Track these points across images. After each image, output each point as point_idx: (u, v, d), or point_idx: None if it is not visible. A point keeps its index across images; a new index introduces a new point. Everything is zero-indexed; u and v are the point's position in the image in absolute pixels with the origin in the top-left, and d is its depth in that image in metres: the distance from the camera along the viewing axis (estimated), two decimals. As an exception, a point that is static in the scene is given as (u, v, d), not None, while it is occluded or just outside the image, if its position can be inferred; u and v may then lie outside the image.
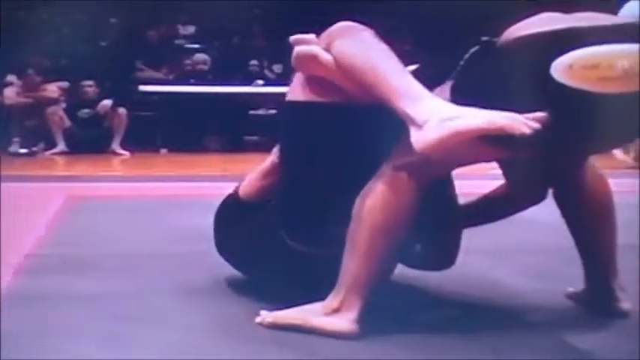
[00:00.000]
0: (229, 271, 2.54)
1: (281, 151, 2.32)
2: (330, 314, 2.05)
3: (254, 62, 10.13)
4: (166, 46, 10.31)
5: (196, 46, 10.46)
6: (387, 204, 2.01)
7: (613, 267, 2.33)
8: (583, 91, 1.88)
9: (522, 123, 1.84)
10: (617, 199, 2.32)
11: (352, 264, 2.05)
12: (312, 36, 2.22)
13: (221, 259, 2.52)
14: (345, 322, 2.03)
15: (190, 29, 10.91)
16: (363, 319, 2.05)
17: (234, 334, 2.10)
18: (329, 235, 2.13)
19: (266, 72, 10.40)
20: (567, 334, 2.15)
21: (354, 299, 2.04)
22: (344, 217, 2.06)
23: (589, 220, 2.30)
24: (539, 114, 1.86)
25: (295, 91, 2.25)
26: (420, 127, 1.90)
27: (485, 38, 2.01)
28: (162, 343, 2.01)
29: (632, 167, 6.80)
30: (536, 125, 1.84)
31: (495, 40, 1.99)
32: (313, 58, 2.16)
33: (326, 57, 2.13)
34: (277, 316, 2.13)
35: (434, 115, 1.89)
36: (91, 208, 4.37)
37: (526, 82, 1.91)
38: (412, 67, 2.17)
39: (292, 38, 2.23)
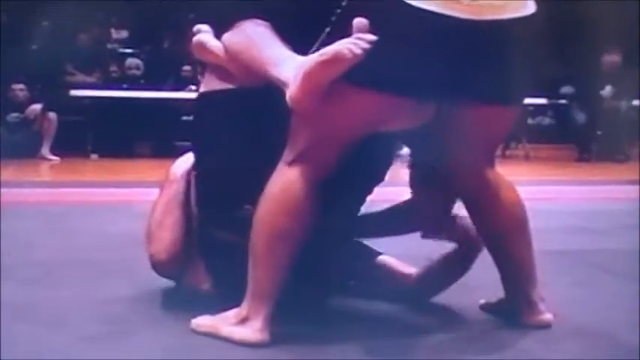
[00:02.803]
0: (152, 278, 2.50)
1: (193, 144, 2.39)
2: (238, 323, 2.05)
3: (187, 68, 10.07)
4: (98, 50, 10.19)
5: (129, 50, 10.37)
6: (284, 208, 2.01)
7: (531, 276, 2.24)
8: (428, 11, 1.89)
9: (351, 43, 1.86)
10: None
11: (255, 271, 2.04)
12: (207, 27, 2.35)
13: (145, 267, 2.47)
14: (250, 331, 2.02)
15: (123, 33, 10.80)
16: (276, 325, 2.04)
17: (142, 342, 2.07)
18: (241, 221, 2.11)
19: (199, 78, 10.34)
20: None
21: (259, 307, 2.03)
22: (253, 201, 2.06)
23: (500, 229, 2.22)
24: (369, 35, 1.87)
25: (201, 84, 2.41)
26: (288, 86, 1.96)
27: None
28: (75, 350, 1.97)
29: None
30: (366, 44, 1.85)
31: None
32: (202, 45, 2.30)
33: (214, 43, 2.26)
34: (197, 323, 2.14)
35: (294, 70, 1.95)
36: (17, 215, 4.29)
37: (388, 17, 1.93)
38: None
39: (194, 28, 2.36)
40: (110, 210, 4.64)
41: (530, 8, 2.03)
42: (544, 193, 5.27)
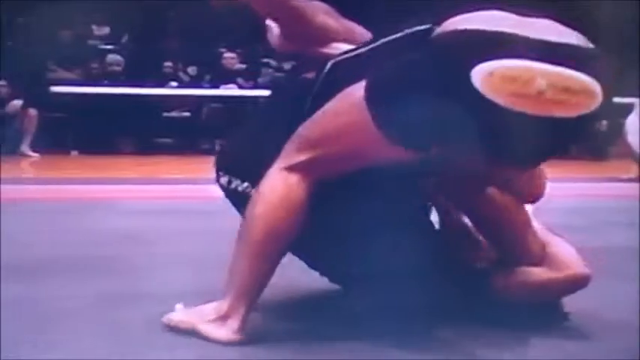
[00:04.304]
0: (134, 275, 2.49)
1: None
2: (216, 320, 2.02)
3: (168, 64, 10.05)
4: (80, 47, 10.15)
5: (110, 47, 10.33)
6: (283, 213, 1.99)
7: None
8: (493, 103, 1.78)
9: None
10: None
11: (243, 270, 2.01)
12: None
13: (126, 264, 2.45)
14: (226, 331, 1.99)
15: (105, 30, 10.77)
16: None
17: (135, 341, 2.07)
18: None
19: (180, 74, 10.33)
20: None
21: (241, 307, 2.00)
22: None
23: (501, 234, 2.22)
24: None
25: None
26: None
27: (423, 27, 1.94)
28: (69, 349, 1.97)
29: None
30: None
31: (433, 28, 1.90)
32: None
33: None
34: (171, 317, 2.11)
35: None
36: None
37: (447, 81, 1.83)
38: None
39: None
40: (91, 207, 4.62)
41: (596, 102, 1.86)
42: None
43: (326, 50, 2.22)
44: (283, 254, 2.05)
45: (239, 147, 2.29)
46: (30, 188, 5.67)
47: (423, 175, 2.22)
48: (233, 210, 2.23)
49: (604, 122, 9.29)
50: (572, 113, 1.82)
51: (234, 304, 2.01)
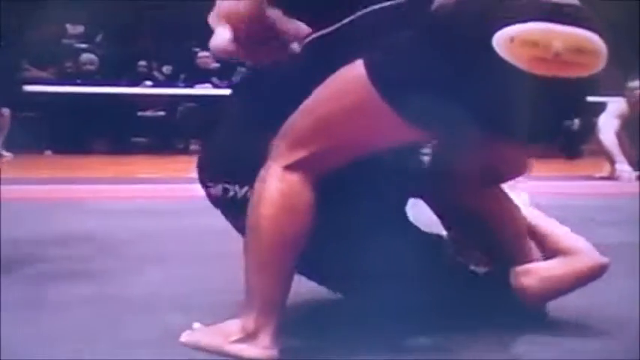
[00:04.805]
0: (105, 276, 2.48)
1: None
2: (245, 339, 1.88)
3: (143, 63, 10.02)
4: (54, 46, 10.09)
5: (84, 45, 10.28)
6: (287, 213, 1.86)
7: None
8: (516, 67, 1.75)
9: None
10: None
11: (261, 282, 1.88)
12: None
13: (98, 265, 2.44)
14: (260, 349, 1.87)
15: (79, 29, 10.71)
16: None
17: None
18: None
19: (155, 73, 10.29)
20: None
21: (269, 321, 1.87)
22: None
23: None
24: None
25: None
26: None
27: None
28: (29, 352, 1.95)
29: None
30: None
31: None
32: None
33: None
34: (191, 337, 1.99)
35: None
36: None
37: (466, 52, 1.79)
38: None
39: None
40: (65, 207, 4.60)
41: (603, 62, 1.87)
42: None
43: (282, 51, 2.07)
44: (297, 259, 1.92)
45: (226, 149, 2.12)
46: (3, 188, 5.63)
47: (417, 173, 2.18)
48: (209, 210, 2.19)
49: (576, 121, 9.35)
50: (585, 73, 1.83)
51: (260, 320, 1.88)
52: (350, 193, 2.02)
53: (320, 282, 2.26)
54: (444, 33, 1.82)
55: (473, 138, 1.95)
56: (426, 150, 2.19)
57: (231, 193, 2.05)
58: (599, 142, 7.16)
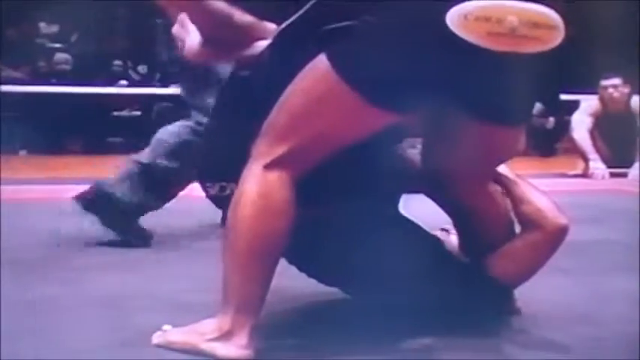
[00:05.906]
0: (81, 276, 2.47)
1: None
2: (220, 338, 1.88)
3: (118, 62, 9.97)
4: (27, 45, 10.03)
5: (58, 45, 10.23)
6: (266, 213, 1.86)
7: None
8: (474, 45, 1.80)
9: None
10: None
11: (238, 282, 1.88)
12: None
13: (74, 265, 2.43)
14: (235, 348, 1.86)
15: (54, 28, 10.65)
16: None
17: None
18: None
19: (130, 72, 10.25)
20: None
21: (245, 321, 1.87)
22: None
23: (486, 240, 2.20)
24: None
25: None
26: None
27: None
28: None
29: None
30: None
31: None
32: None
33: None
34: (164, 337, 1.99)
35: None
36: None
37: (422, 31, 1.82)
38: None
39: None
40: (40, 207, 4.58)
41: (560, 36, 1.91)
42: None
43: (249, 51, 2.12)
44: (278, 258, 1.93)
45: (219, 148, 2.15)
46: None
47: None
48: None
49: (551, 120, 9.41)
50: (543, 47, 1.87)
51: (237, 319, 1.88)
52: (344, 190, 2.04)
53: (319, 279, 2.26)
54: (400, 15, 1.84)
55: (445, 116, 1.99)
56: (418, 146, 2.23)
57: (228, 192, 2.06)
58: (572, 140, 7.21)
